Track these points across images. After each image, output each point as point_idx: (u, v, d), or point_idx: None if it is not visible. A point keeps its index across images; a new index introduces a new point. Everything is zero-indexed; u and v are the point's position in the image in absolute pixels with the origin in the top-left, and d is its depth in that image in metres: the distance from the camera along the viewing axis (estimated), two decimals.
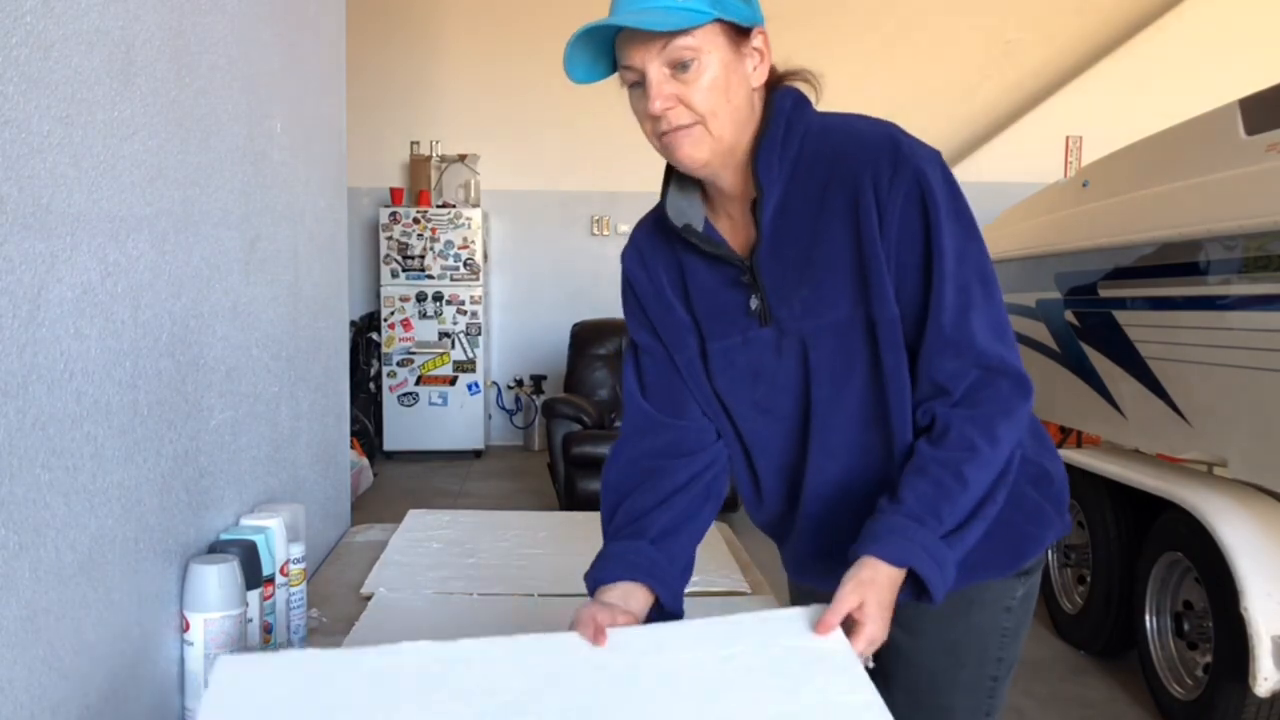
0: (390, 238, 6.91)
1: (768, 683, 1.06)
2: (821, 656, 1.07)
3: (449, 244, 6.92)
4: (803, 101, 1.22)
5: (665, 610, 1.24)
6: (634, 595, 1.21)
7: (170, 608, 1.15)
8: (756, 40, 1.17)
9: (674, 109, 1.13)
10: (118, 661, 1.03)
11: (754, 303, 1.23)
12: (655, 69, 1.12)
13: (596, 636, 1.12)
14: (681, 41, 1.10)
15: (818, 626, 1.08)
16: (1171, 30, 7.07)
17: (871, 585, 1.08)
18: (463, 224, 6.92)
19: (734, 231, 1.24)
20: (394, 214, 6.91)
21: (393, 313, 6.95)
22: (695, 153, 1.15)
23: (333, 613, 1.56)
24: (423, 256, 6.93)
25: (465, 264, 6.93)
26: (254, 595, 1.22)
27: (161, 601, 1.13)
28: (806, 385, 1.23)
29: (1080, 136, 4.92)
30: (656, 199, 1.28)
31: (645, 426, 1.32)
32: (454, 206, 6.97)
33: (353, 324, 6.62)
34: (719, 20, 1.12)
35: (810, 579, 1.35)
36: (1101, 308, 3.39)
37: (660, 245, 1.30)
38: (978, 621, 1.27)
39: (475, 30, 7.47)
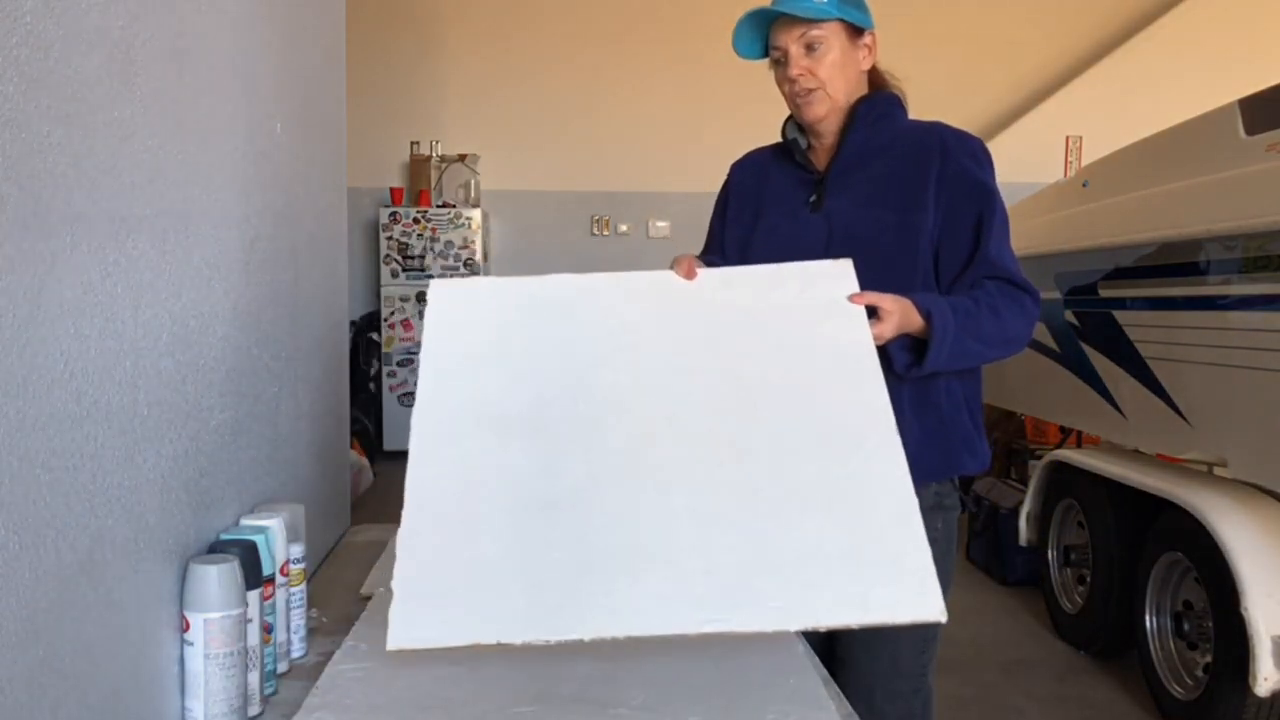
0: (390, 238, 6.91)
1: (796, 319, 1.48)
2: (843, 307, 1.47)
3: (449, 244, 6.92)
4: (900, 105, 1.78)
5: None
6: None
7: (170, 608, 1.14)
8: (867, 39, 1.71)
9: (804, 76, 1.67)
10: (118, 661, 1.03)
11: (813, 197, 1.74)
12: (795, 48, 1.66)
13: (689, 272, 1.57)
14: (814, 31, 1.65)
15: (852, 296, 1.48)
16: (1171, 30, 7.07)
17: (902, 305, 1.49)
18: (463, 224, 6.92)
19: (817, 159, 1.78)
20: (394, 214, 6.91)
21: (393, 313, 6.95)
22: (818, 109, 1.69)
23: (333, 613, 1.56)
24: (423, 256, 6.93)
25: (465, 264, 6.93)
26: (254, 595, 1.22)
27: (161, 601, 1.13)
28: (827, 253, 1.63)
29: (1080, 136, 4.92)
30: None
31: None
32: (454, 206, 6.97)
33: (353, 324, 6.62)
34: (841, 20, 1.66)
35: None
36: (1101, 308, 3.39)
37: (760, 163, 1.86)
38: None
39: (475, 30, 7.46)
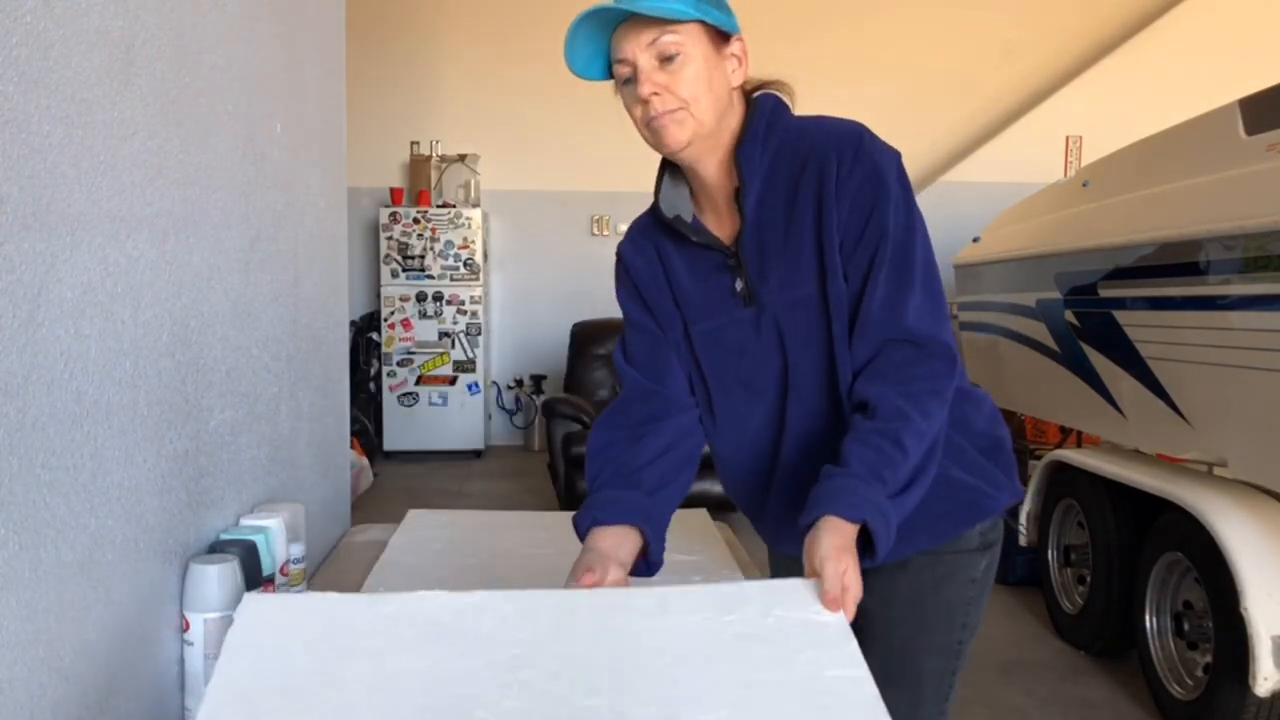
0: (390, 238, 6.91)
1: (763, 651, 1.10)
2: (818, 629, 1.11)
3: (449, 244, 6.92)
4: (782, 105, 1.37)
5: (650, 562, 1.37)
6: (626, 542, 1.32)
7: (170, 608, 1.15)
8: (735, 47, 1.32)
9: (660, 95, 1.27)
10: (118, 661, 1.03)
11: (739, 285, 1.35)
12: (645, 59, 1.26)
13: (599, 582, 1.24)
14: (668, 37, 1.25)
15: (828, 602, 1.12)
16: (1171, 30, 7.07)
17: (846, 550, 1.15)
18: (463, 224, 6.92)
19: (719, 223, 1.38)
20: (394, 214, 6.91)
21: (393, 313, 6.94)
22: (679, 134, 1.28)
23: None
24: (423, 256, 6.93)
25: (465, 264, 6.93)
26: None
27: (161, 601, 1.13)
28: (784, 357, 1.36)
29: (1080, 136, 4.92)
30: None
31: (632, 394, 1.44)
32: (454, 206, 6.97)
33: (353, 324, 6.62)
34: (701, 22, 1.27)
35: (789, 546, 1.40)
36: (1101, 308, 3.39)
37: (652, 239, 1.44)
38: (947, 595, 1.39)
39: (475, 31, 7.46)
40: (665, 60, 1.26)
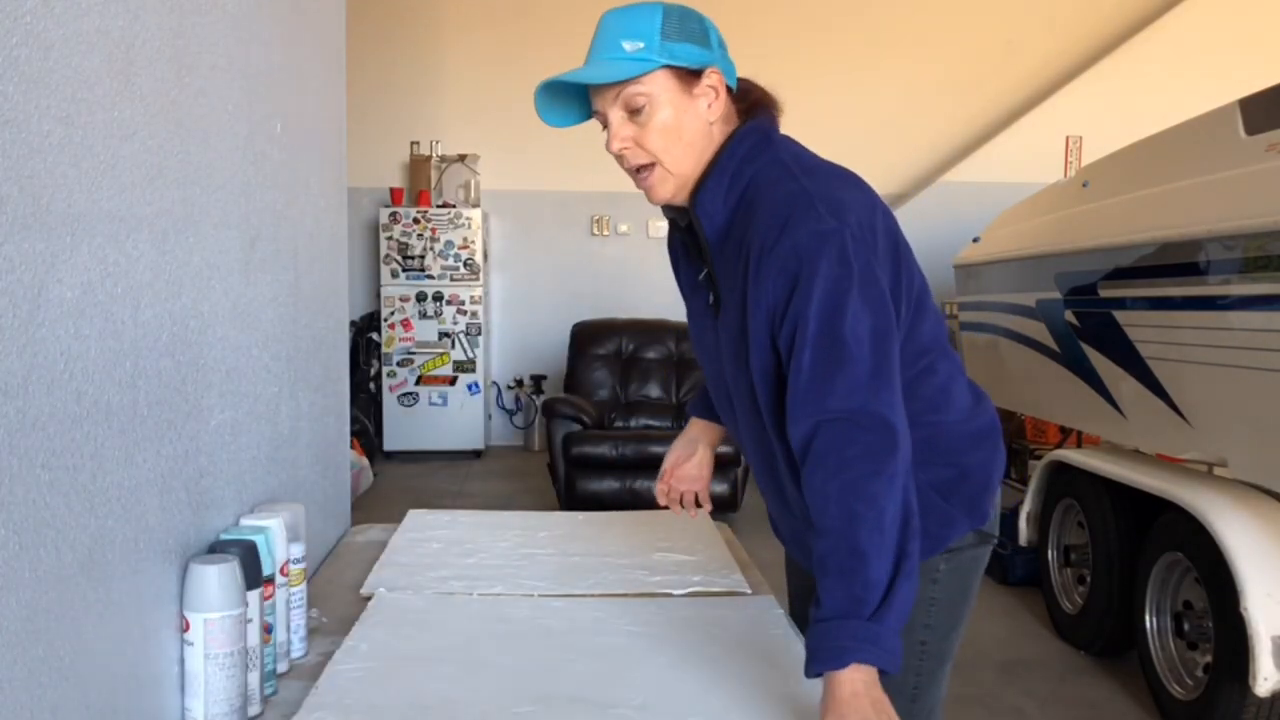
0: (390, 238, 6.91)
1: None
2: None
3: (449, 244, 6.92)
4: (762, 145, 1.32)
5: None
6: (710, 431, 1.66)
7: (170, 608, 1.15)
8: (709, 79, 1.28)
9: (630, 149, 1.29)
10: (118, 661, 1.03)
11: (710, 297, 1.39)
12: (615, 113, 1.28)
13: (673, 505, 1.62)
14: (633, 89, 1.26)
15: None
16: (1171, 30, 7.07)
17: (846, 701, 1.10)
18: (463, 224, 6.92)
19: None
20: (394, 214, 6.91)
21: (393, 313, 6.94)
22: (660, 191, 1.32)
23: (333, 613, 1.56)
24: (423, 256, 6.93)
25: (465, 264, 6.93)
26: (254, 595, 1.22)
27: (161, 601, 1.13)
28: (730, 383, 1.40)
29: (1080, 136, 4.91)
30: None
31: None
32: (454, 206, 6.97)
33: (353, 324, 6.62)
34: (667, 67, 1.25)
35: (787, 546, 1.58)
36: (1101, 308, 3.39)
37: (672, 231, 1.50)
38: None
39: (475, 30, 7.46)
40: (634, 112, 1.27)
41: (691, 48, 1.27)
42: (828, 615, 1.14)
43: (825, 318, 1.20)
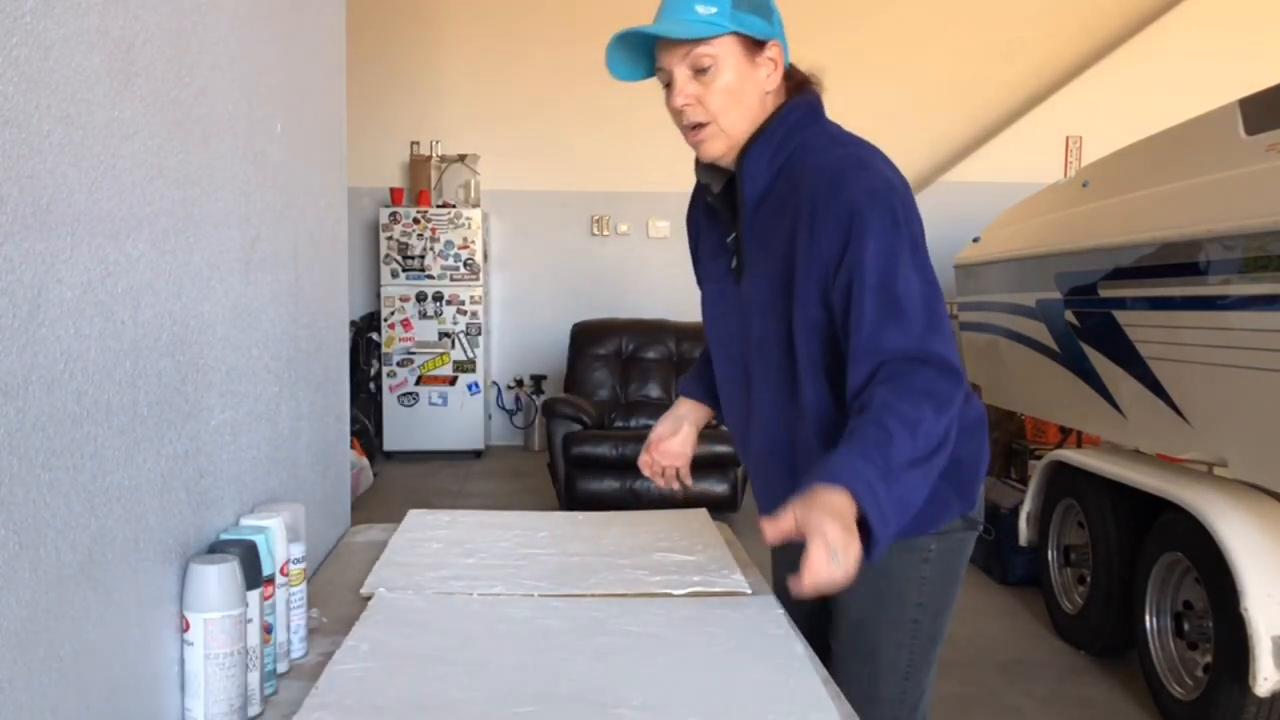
0: (390, 238, 6.92)
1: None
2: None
3: (449, 244, 6.92)
4: (807, 118, 1.44)
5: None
6: (698, 411, 1.73)
7: (170, 608, 1.14)
8: (771, 51, 1.40)
9: (692, 107, 1.38)
10: (118, 661, 1.03)
11: (734, 262, 1.48)
12: (680, 71, 1.37)
13: (654, 477, 1.69)
14: (702, 49, 1.35)
15: (766, 530, 1.20)
16: (1171, 30, 7.07)
17: (806, 503, 1.17)
18: (463, 224, 6.92)
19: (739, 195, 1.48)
20: (394, 214, 6.91)
21: (393, 313, 6.95)
22: (712, 149, 1.42)
23: (333, 613, 1.56)
24: (423, 256, 6.93)
25: (465, 264, 6.94)
26: (254, 595, 1.22)
27: (161, 601, 1.13)
28: (752, 344, 1.48)
29: (1080, 136, 4.92)
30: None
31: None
32: (454, 206, 6.97)
33: (353, 324, 6.62)
34: (735, 34, 1.35)
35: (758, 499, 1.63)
36: (1101, 308, 3.39)
37: (697, 203, 1.61)
38: (899, 573, 1.47)
39: (475, 30, 7.47)
40: (699, 72, 1.36)
41: (758, 20, 1.37)
42: (844, 452, 1.22)
43: (880, 273, 1.29)
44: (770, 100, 1.42)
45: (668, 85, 1.40)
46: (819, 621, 1.55)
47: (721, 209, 1.49)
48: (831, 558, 1.14)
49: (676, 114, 1.40)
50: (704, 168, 1.49)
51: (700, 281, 1.60)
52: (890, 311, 1.28)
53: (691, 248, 1.65)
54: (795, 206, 1.36)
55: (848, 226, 1.30)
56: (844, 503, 1.17)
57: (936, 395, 1.26)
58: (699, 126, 1.39)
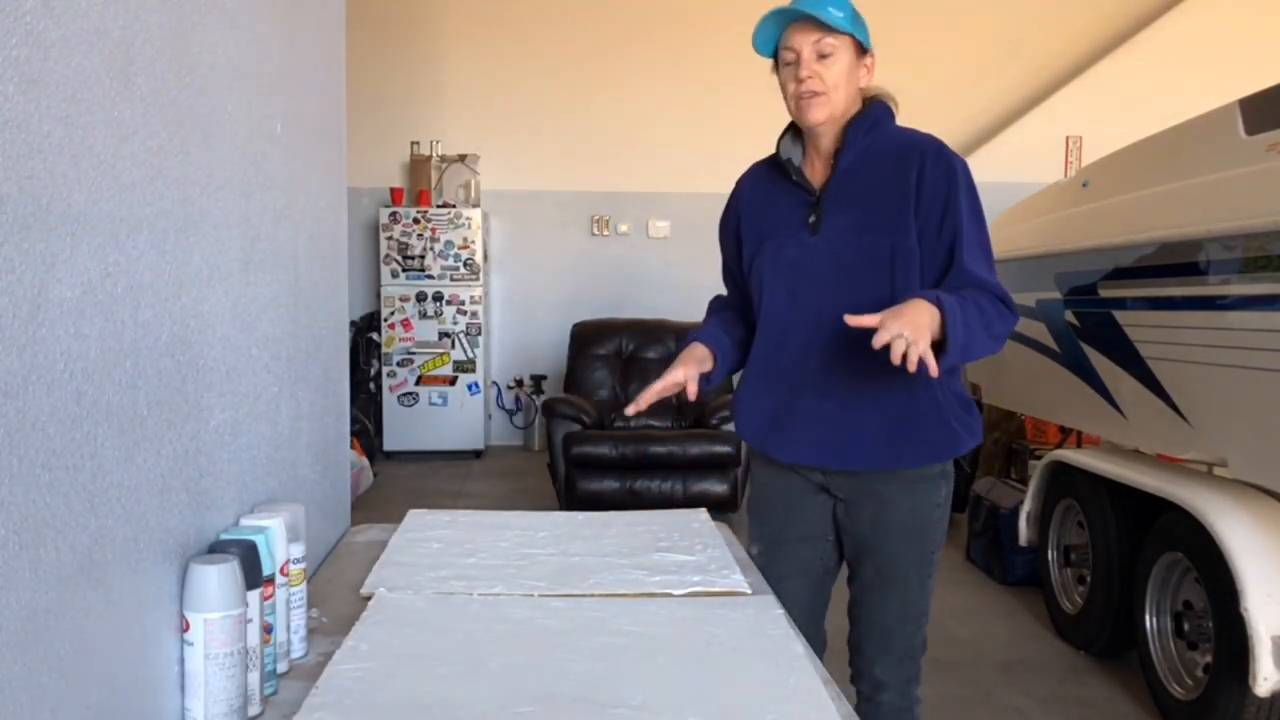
0: (390, 238, 6.92)
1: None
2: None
3: (449, 244, 6.92)
4: (888, 111, 1.90)
5: (711, 379, 1.96)
6: (706, 358, 1.96)
7: (170, 608, 1.14)
8: (868, 60, 1.86)
9: (813, 78, 1.79)
10: (118, 661, 1.03)
11: (812, 218, 1.87)
12: (808, 52, 1.79)
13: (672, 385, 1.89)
14: (829, 39, 1.78)
15: (848, 319, 1.61)
16: (1171, 30, 7.07)
17: (916, 305, 1.60)
18: (463, 224, 6.92)
19: (813, 174, 1.91)
20: (394, 214, 6.91)
21: (393, 313, 6.95)
22: (819, 114, 1.81)
23: (333, 613, 1.56)
24: (423, 256, 6.93)
25: (465, 264, 6.94)
26: (254, 595, 1.22)
27: (161, 601, 1.13)
28: (832, 280, 1.84)
29: (1080, 136, 4.92)
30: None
31: (731, 296, 2.13)
32: (454, 206, 6.97)
33: (353, 324, 6.62)
34: (852, 36, 1.80)
35: (804, 452, 1.93)
36: (1101, 308, 3.39)
37: (763, 178, 1.98)
38: (919, 518, 1.89)
39: (475, 30, 7.47)
40: (822, 57, 1.78)
41: (865, 34, 1.81)
42: (937, 290, 1.69)
43: (971, 218, 1.82)
44: (858, 99, 1.85)
45: (788, 64, 1.80)
46: (840, 552, 1.99)
47: (799, 178, 1.88)
48: (906, 343, 1.53)
49: (798, 83, 1.79)
50: (789, 144, 1.91)
51: (758, 240, 1.93)
52: (980, 253, 1.80)
53: (741, 216, 1.99)
54: (906, 163, 1.80)
55: (951, 182, 1.79)
56: (932, 318, 1.59)
57: (1004, 314, 1.75)
58: (815, 95, 1.78)
